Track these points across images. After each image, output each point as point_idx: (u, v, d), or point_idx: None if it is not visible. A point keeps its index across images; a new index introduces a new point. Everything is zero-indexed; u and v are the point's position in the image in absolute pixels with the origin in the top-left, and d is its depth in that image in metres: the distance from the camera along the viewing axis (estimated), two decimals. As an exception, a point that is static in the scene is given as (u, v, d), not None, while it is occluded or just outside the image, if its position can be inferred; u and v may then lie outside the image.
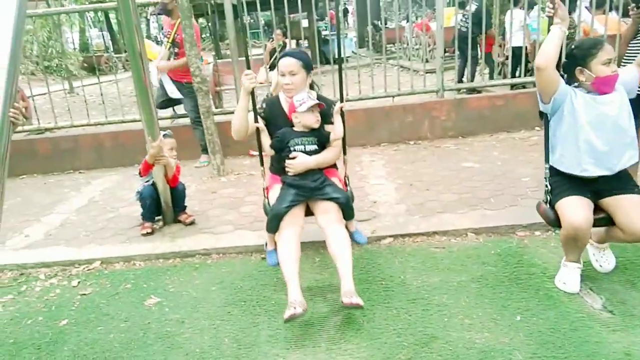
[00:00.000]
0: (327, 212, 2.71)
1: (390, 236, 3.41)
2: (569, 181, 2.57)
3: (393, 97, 5.91)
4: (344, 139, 2.86)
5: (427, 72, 6.38)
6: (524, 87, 6.38)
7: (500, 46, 7.40)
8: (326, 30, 14.41)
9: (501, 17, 7.51)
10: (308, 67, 2.79)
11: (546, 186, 2.66)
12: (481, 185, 4.16)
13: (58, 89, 7.10)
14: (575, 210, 2.45)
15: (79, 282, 3.24)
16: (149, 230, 3.77)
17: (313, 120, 2.74)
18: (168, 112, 6.06)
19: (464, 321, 2.43)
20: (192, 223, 3.89)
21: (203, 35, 21.54)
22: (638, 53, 3.28)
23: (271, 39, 10.11)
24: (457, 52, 6.40)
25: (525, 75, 6.21)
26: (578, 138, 2.49)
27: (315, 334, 2.43)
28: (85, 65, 15.32)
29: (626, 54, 3.44)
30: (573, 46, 2.60)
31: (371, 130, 5.74)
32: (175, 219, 3.95)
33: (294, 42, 12.66)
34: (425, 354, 2.22)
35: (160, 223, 3.92)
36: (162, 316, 2.75)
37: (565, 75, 2.59)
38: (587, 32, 5.67)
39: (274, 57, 9.65)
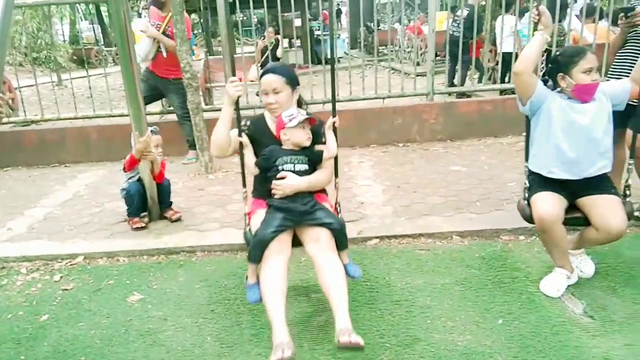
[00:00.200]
0: (319, 240, 2.38)
1: (377, 237, 3.42)
2: (546, 180, 2.64)
3: (383, 98, 5.93)
4: (335, 160, 2.56)
5: (417, 75, 6.41)
6: (513, 92, 6.41)
7: (491, 52, 7.46)
8: (319, 30, 14.40)
9: (492, 22, 7.57)
10: (293, 82, 2.50)
11: (525, 183, 2.76)
12: (468, 188, 4.19)
13: (46, 81, 7.03)
14: (544, 203, 2.54)
15: (61, 277, 3.20)
16: (143, 225, 3.76)
17: (304, 137, 2.43)
18: (157, 107, 6.01)
19: (446, 323, 2.45)
20: (178, 220, 3.87)
21: (195, 32, 21.45)
22: (626, 62, 3.34)
23: (263, 37, 10.10)
24: (447, 56, 6.43)
25: (514, 81, 6.25)
26: (549, 141, 2.59)
27: (298, 334, 2.42)
28: (75, 57, 15.18)
29: (614, 63, 3.48)
30: (557, 52, 2.67)
31: (361, 131, 5.75)
32: (161, 215, 3.93)
33: (286, 40, 12.65)
34: (407, 355, 2.23)
35: (146, 219, 3.90)
36: (145, 313, 2.73)
37: (550, 81, 2.65)
38: (576, 40, 5.74)
39: (265, 55, 9.65)
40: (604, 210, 2.51)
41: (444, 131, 5.80)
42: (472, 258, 3.10)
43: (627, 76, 2.78)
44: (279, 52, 9.35)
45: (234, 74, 2.51)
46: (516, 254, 3.11)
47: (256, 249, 2.35)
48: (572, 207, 2.63)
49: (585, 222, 2.61)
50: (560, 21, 5.60)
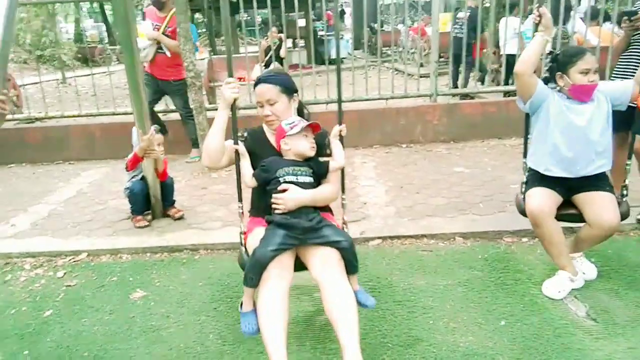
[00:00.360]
0: (326, 261, 2.09)
1: (379, 238, 3.43)
2: (543, 176, 2.69)
3: (387, 99, 5.93)
4: (342, 175, 2.33)
5: (421, 76, 6.42)
6: (516, 94, 6.42)
7: (494, 53, 7.45)
8: (323, 30, 14.41)
9: (496, 24, 7.56)
10: (289, 90, 2.28)
11: (523, 179, 2.85)
12: (471, 190, 4.19)
13: (50, 78, 7.06)
14: (536, 198, 2.61)
15: (64, 274, 3.21)
16: (146, 223, 3.77)
17: (307, 146, 2.19)
18: (161, 105, 6.02)
19: (448, 324, 2.45)
20: (181, 218, 3.88)
21: (199, 31, 21.44)
22: (630, 65, 3.34)
23: (266, 37, 10.11)
24: (451, 58, 6.43)
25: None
26: (547, 141, 2.64)
27: (300, 333, 2.43)
28: (79, 56, 15.20)
29: (617, 66, 3.48)
30: (558, 52, 2.73)
31: (364, 132, 5.76)
32: (164, 213, 3.94)
33: (289, 40, 12.66)
34: (409, 355, 2.23)
35: (149, 217, 3.91)
36: (148, 310, 2.73)
37: (551, 79, 2.70)
38: (580, 43, 5.73)
39: (269, 55, 9.65)
40: (598, 206, 2.56)
41: (448, 132, 5.80)
42: (475, 259, 3.10)
43: (631, 78, 2.78)
44: (282, 52, 9.34)
45: (231, 75, 2.26)
46: (519, 256, 3.11)
47: (254, 269, 2.06)
48: (567, 204, 2.69)
49: (580, 218, 2.66)
50: (564, 24, 5.59)
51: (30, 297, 2.95)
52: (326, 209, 2.38)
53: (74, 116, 6.08)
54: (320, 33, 14.34)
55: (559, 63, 2.61)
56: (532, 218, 2.61)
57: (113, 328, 2.57)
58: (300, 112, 2.37)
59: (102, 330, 2.56)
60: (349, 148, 5.46)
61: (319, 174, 2.25)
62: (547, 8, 2.61)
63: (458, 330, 2.39)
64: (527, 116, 2.81)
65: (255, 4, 5.68)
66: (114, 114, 6.06)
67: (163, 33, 5.15)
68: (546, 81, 2.70)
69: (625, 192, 2.72)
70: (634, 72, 2.94)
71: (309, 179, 2.21)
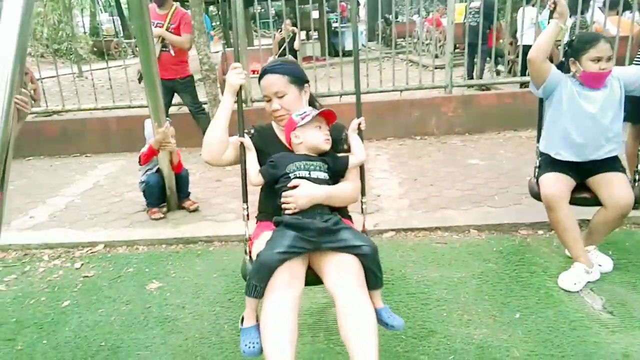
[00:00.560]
0: (343, 270, 1.78)
1: (393, 230, 3.42)
2: (555, 160, 2.72)
3: (401, 91, 5.90)
4: (362, 174, 2.06)
5: (436, 68, 6.37)
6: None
7: (511, 44, 7.35)
8: (336, 22, 14.35)
9: (513, 14, 7.46)
10: (299, 80, 2.02)
11: (536, 163, 2.88)
12: (486, 182, 4.15)
13: (67, 72, 7.12)
14: (550, 182, 2.64)
15: (82, 265, 3.27)
16: (162, 215, 3.81)
17: (321, 138, 1.93)
18: (175, 98, 6.05)
19: (462, 316, 2.44)
20: (195, 210, 3.91)
21: (213, 24, 21.46)
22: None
23: (280, 29, 10.10)
24: (466, 49, 6.36)
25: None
26: (558, 125, 2.67)
27: (314, 324, 2.44)
28: (95, 49, 15.33)
29: (638, 56, 3.41)
30: (574, 37, 2.74)
31: (377, 124, 5.73)
32: (179, 205, 3.97)
33: (303, 33, 12.62)
34: (423, 347, 2.23)
35: (165, 209, 3.94)
36: (163, 301, 2.77)
37: (566, 64, 2.71)
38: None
39: (282, 47, 9.64)
40: (612, 185, 2.59)
41: (463, 124, 5.76)
42: (490, 252, 3.08)
43: None
44: (296, 45, 9.32)
45: (238, 60, 2.12)
46: (534, 249, 3.08)
47: (258, 276, 1.74)
48: (580, 188, 2.71)
49: (593, 202, 2.69)
50: (582, 13, 5.50)
51: (48, 287, 3.00)
52: (344, 213, 2.09)
53: (90, 109, 6.15)
54: (334, 25, 14.30)
55: (572, 49, 2.63)
56: (546, 202, 2.63)
57: (129, 318, 2.61)
58: (311, 106, 2.10)
59: (118, 320, 2.60)
60: (362, 140, 5.48)
61: (336, 171, 1.98)
62: None
63: (472, 323, 2.38)
64: (541, 101, 2.85)
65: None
66: (129, 107, 6.11)
67: (167, 30, 4.95)
68: (561, 66, 2.71)
69: (637, 177, 2.74)
70: None
71: (324, 175, 1.93)
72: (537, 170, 2.85)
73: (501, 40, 7.42)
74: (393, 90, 5.89)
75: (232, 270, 3.05)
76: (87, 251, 3.46)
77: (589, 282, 2.63)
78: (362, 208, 2.10)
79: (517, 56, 6.53)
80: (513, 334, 2.28)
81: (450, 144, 5.45)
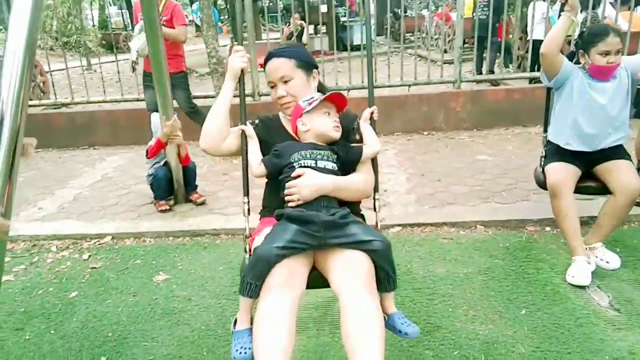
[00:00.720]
0: (351, 268, 1.60)
1: (399, 225, 3.42)
2: (562, 150, 2.77)
3: (409, 86, 5.87)
4: (375, 171, 1.91)
5: (445, 63, 6.32)
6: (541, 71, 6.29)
7: (520, 39, 7.30)
8: (345, 16, 14.30)
9: (524, 9, 7.39)
10: (307, 64, 1.89)
11: (542, 152, 2.94)
12: (493, 178, 4.14)
13: (76, 65, 7.16)
14: (556, 171, 2.71)
15: (89, 256, 3.29)
16: (167, 207, 3.83)
17: (330, 125, 1.78)
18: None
19: (468, 312, 2.43)
20: (202, 203, 3.93)
21: (222, 17, 21.44)
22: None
23: (288, 23, 10.08)
24: (476, 43, 6.32)
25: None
26: (567, 116, 2.72)
27: (319, 318, 2.45)
28: (104, 42, 15.38)
29: None
30: (585, 29, 2.79)
31: (385, 119, 5.71)
32: (186, 198, 3.99)
33: (311, 27, 12.59)
34: (428, 342, 2.23)
35: (172, 202, 3.96)
36: (170, 292, 2.79)
37: (576, 55, 2.76)
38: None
39: (291, 41, 9.62)
40: (620, 171, 2.65)
41: (471, 120, 5.73)
42: (496, 248, 3.07)
43: None
44: (304, 39, 9.32)
45: (240, 43, 2.00)
46: (541, 245, 3.07)
47: (253, 272, 1.57)
48: (586, 177, 2.76)
49: (597, 190, 2.76)
50: (594, 8, 5.44)
51: (56, 278, 3.03)
52: (356, 211, 1.91)
53: (99, 102, 6.18)
54: (342, 19, 14.24)
55: (582, 41, 2.67)
56: (551, 189, 2.68)
57: (136, 309, 2.63)
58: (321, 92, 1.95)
59: (125, 311, 2.62)
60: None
61: (348, 161, 1.82)
62: None
63: (478, 319, 2.38)
64: (549, 91, 2.95)
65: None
66: (137, 100, 6.12)
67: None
68: (572, 56, 2.76)
69: None
70: None
71: (332, 165, 1.76)
72: (543, 159, 2.91)
73: (511, 35, 7.36)
74: (401, 85, 5.87)
75: (238, 264, 3.05)
76: (95, 243, 3.49)
77: (595, 279, 2.61)
78: (374, 205, 1.92)
79: (527, 51, 6.48)
80: (519, 330, 2.28)
81: (458, 139, 5.42)
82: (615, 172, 2.65)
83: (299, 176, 1.72)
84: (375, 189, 1.91)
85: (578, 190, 2.72)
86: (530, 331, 2.27)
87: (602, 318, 2.33)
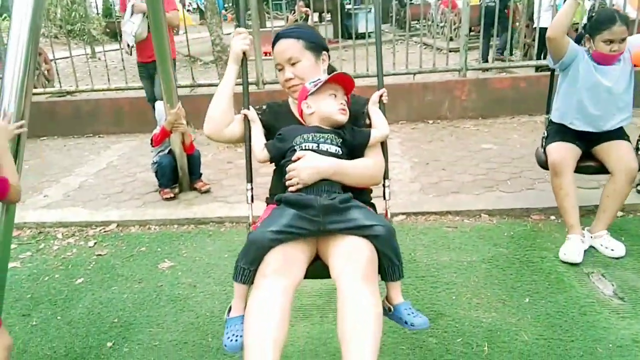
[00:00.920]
0: (350, 255, 1.51)
1: (403, 213, 3.42)
2: (564, 130, 2.83)
3: (414, 74, 5.83)
4: (385, 152, 1.81)
5: (450, 51, 6.27)
6: (548, 69, 6.24)
7: (527, 27, 7.23)
8: (350, 3, 14.20)
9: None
10: (316, 45, 1.82)
11: (544, 133, 3.00)
12: (498, 167, 4.12)
13: (80, 53, 7.16)
14: (558, 150, 2.77)
15: (95, 243, 3.31)
16: (172, 195, 3.84)
17: (335, 107, 1.70)
18: (188, 79, 6.06)
19: (472, 300, 2.44)
20: (207, 191, 3.94)
21: (226, 5, 21.31)
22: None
23: (293, 11, 10.02)
24: (482, 31, 6.26)
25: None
26: (573, 97, 2.77)
27: (323, 305, 2.46)
28: (108, 30, 15.34)
29: None
30: (593, 14, 2.83)
31: (390, 107, 5.60)
32: (191, 186, 4.00)
33: (316, 14, 12.50)
34: (431, 329, 2.23)
35: (177, 190, 3.97)
36: (175, 279, 2.80)
37: (583, 39, 2.81)
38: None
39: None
40: (620, 150, 2.72)
41: (476, 108, 5.69)
42: (501, 237, 3.07)
43: None
44: (309, 26, 9.28)
45: (244, 25, 1.93)
46: (546, 234, 3.06)
47: (246, 258, 1.52)
48: (586, 157, 2.83)
49: (596, 170, 2.83)
50: (602, -5, 5.37)
51: (62, 265, 3.06)
52: (367, 199, 1.82)
53: (103, 90, 6.18)
54: (347, 7, 14.14)
55: (589, 26, 2.71)
56: (552, 167, 2.75)
57: (142, 296, 2.65)
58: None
59: (131, 298, 2.64)
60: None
61: (356, 145, 1.72)
62: None
63: (481, 306, 2.39)
64: (552, 72, 3.01)
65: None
66: (141, 88, 6.10)
67: None
68: (579, 39, 2.81)
69: None
70: None
71: (335, 149, 1.67)
72: (544, 140, 2.96)
73: (517, 23, 7.29)
74: (406, 74, 5.83)
75: (242, 251, 3.08)
76: (101, 230, 3.51)
77: (599, 267, 2.62)
78: (384, 192, 1.82)
79: (533, 39, 6.42)
80: (522, 318, 2.28)
81: (463, 128, 5.40)
82: (616, 151, 2.72)
83: (299, 159, 1.65)
84: (385, 176, 1.81)
85: (578, 169, 2.79)
86: (534, 319, 2.27)
87: (606, 306, 2.33)
